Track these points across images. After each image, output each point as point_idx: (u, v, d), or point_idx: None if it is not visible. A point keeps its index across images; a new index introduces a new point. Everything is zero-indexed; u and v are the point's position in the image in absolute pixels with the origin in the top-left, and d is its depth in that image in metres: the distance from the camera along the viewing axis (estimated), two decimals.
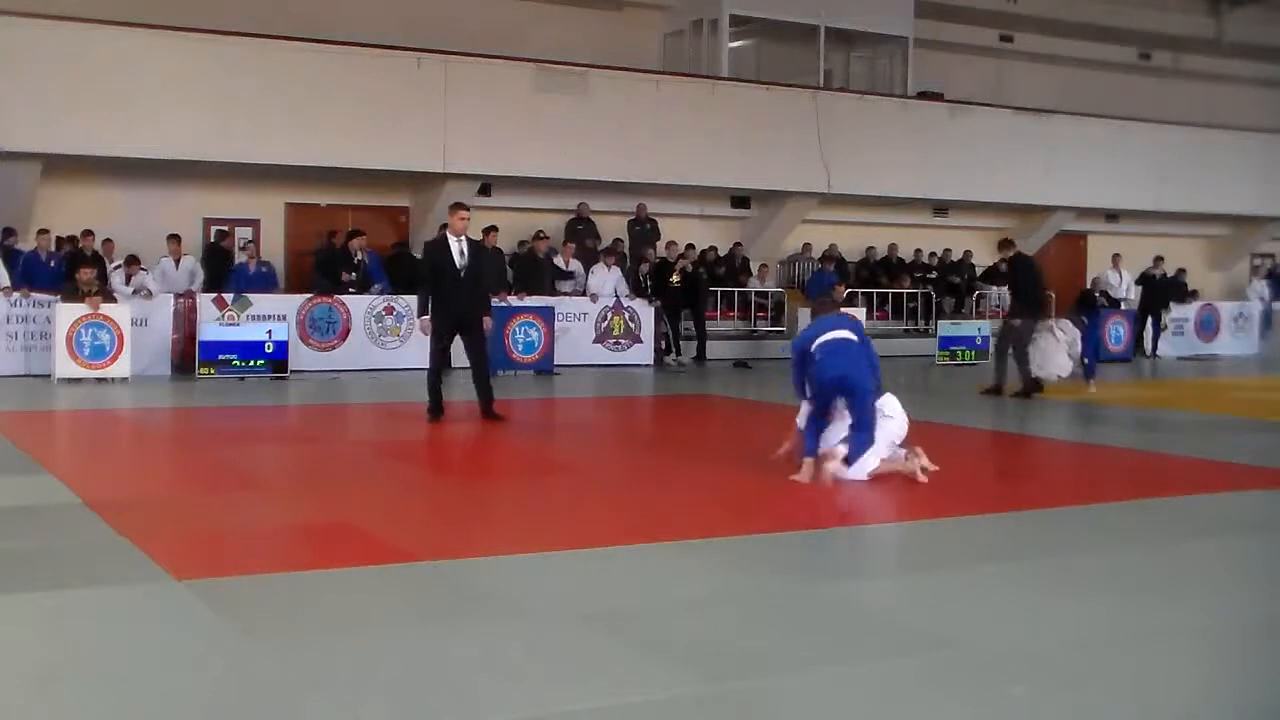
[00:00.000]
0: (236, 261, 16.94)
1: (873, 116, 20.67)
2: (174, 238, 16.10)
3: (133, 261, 15.21)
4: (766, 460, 7.97)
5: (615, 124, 18.40)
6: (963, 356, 18.50)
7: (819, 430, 7.39)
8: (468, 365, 15.86)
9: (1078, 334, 13.67)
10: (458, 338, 10.59)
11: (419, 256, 17.70)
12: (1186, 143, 23.51)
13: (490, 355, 15.70)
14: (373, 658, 4.09)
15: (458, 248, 10.21)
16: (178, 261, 15.85)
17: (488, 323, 10.51)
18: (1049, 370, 13.60)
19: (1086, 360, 13.89)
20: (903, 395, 8.03)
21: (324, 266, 16.55)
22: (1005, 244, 15.00)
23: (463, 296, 10.18)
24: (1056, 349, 13.62)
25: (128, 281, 14.98)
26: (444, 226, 10.81)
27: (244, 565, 5.40)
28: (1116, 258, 21.63)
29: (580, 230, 19.08)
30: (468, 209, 10.59)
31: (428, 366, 10.55)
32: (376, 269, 16.68)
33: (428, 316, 10.33)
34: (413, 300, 16.30)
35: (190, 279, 15.78)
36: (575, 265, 18.04)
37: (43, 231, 15.58)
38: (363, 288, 16.24)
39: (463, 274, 10.15)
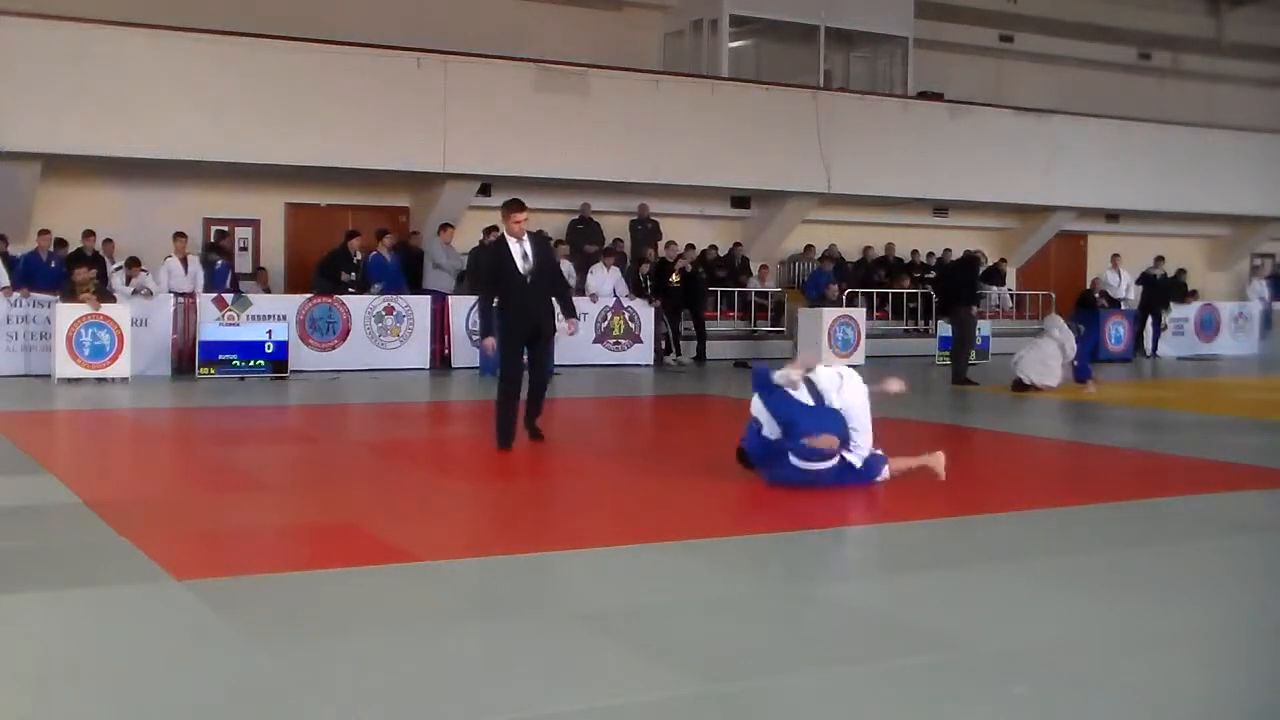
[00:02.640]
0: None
1: (873, 116, 20.69)
2: (180, 235, 15.73)
3: (134, 264, 15.20)
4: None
5: (615, 124, 18.41)
6: None
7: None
8: (475, 366, 16.18)
9: (1073, 343, 13.76)
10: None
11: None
12: (1186, 143, 23.51)
13: (491, 356, 15.89)
14: (373, 658, 4.09)
15: (519, 250, 8.89)
16: (185, 261, 15.52)
17: (572, 325, 9.24)
18: (1044, 379, 13.64)
19: (1076, 363, 13.89)
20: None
21: (324, 267, 16.55)
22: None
23: (533, 302, 8.93)
24: (1056, 359, 13.68)
25: (128, 282, 14.98)
26: (490, 229, 9.82)
27: (244, 565, 5.40)
28: (1116, 258, 21.64)
29: (581, 231, 19.08)
30: (524, 208, 9.03)
31: (499, 389, 9.06)
32: (397, 269, 16.67)
33: (492, 339, 9.02)
34: (414, 300, 16.43)
35: (194, 281, 15.55)
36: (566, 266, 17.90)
37: (43, 232, 15.57)
38: (362, 288, 16.25)
39: (529, 279, 8.88)
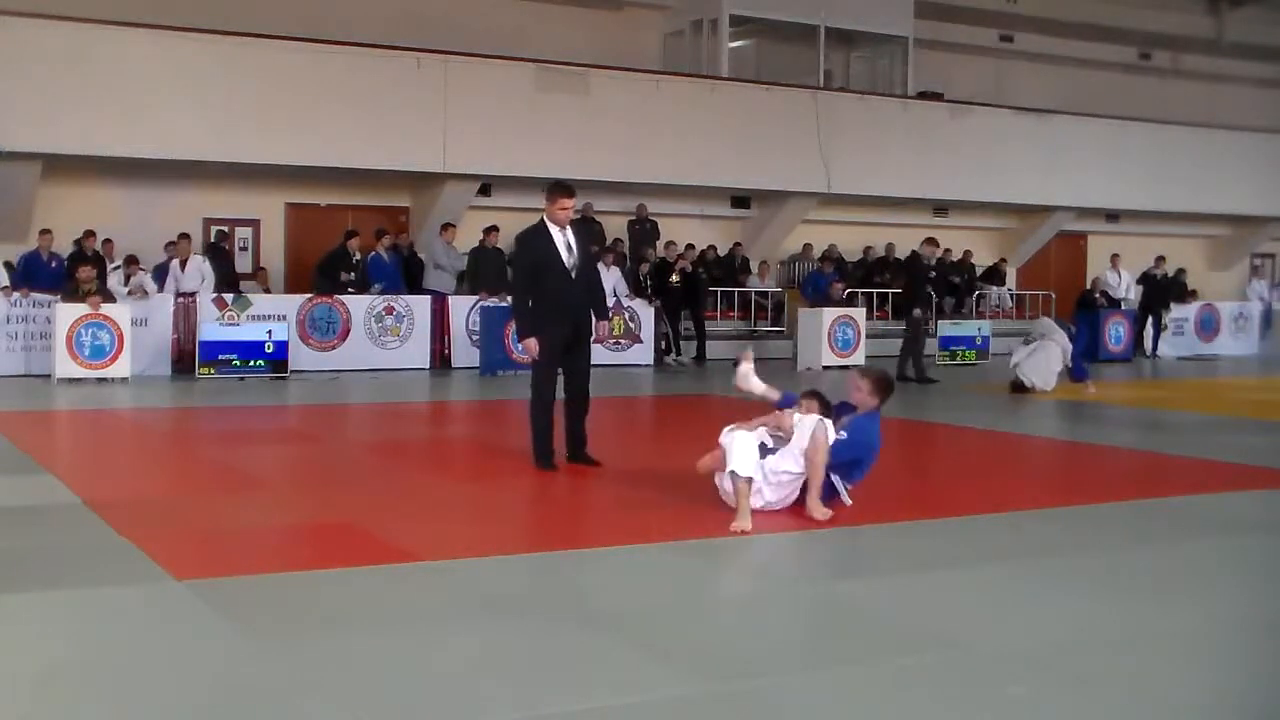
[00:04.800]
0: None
1: (873, 116, 20.68)
2: (184, 237, 15.88)
3: (131, 262, 15.21)
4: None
5: (615, 124, 18.40)
6: (963, 356, 18.50)
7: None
8: (476, 366, 16.20)
9: (1068, 343, 13.77)
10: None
11: (422, 256, 17.74)
12: (1186, 143, 23.52)
13: (491, 355, 15.94)
14: (373, 658, 4.09)
15: (563, 240, 7.95)
16: (183, 264, 15.55)
17: (603, 329, 8.32)
18: (1046, 383, 13.60)
19: (1071, 365, 13.87)
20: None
21: (323, 267, 16.56)
22: (931, 242, 16.64)
23: (575, 298, 7.98)
24: (1059, 363, 13.67)
25: (126, 282, 14.98)
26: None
27: (244, 565, 5.40)
28: (1115, 258, 21.65)
29: (583, 231, 19.07)
30: (573, 194, 8.09)
31: (534, 398, 8.02)
32: (396, 269, 16.69)
33: (534, 341, 7.91)
34: (414, 300, 16.42)
35: (199, 279, 15.49)
36: None
37: (44, 232, 15.55)
38: (362, 288, 16.25)
39: (574, 274, 7.95)
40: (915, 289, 16.18)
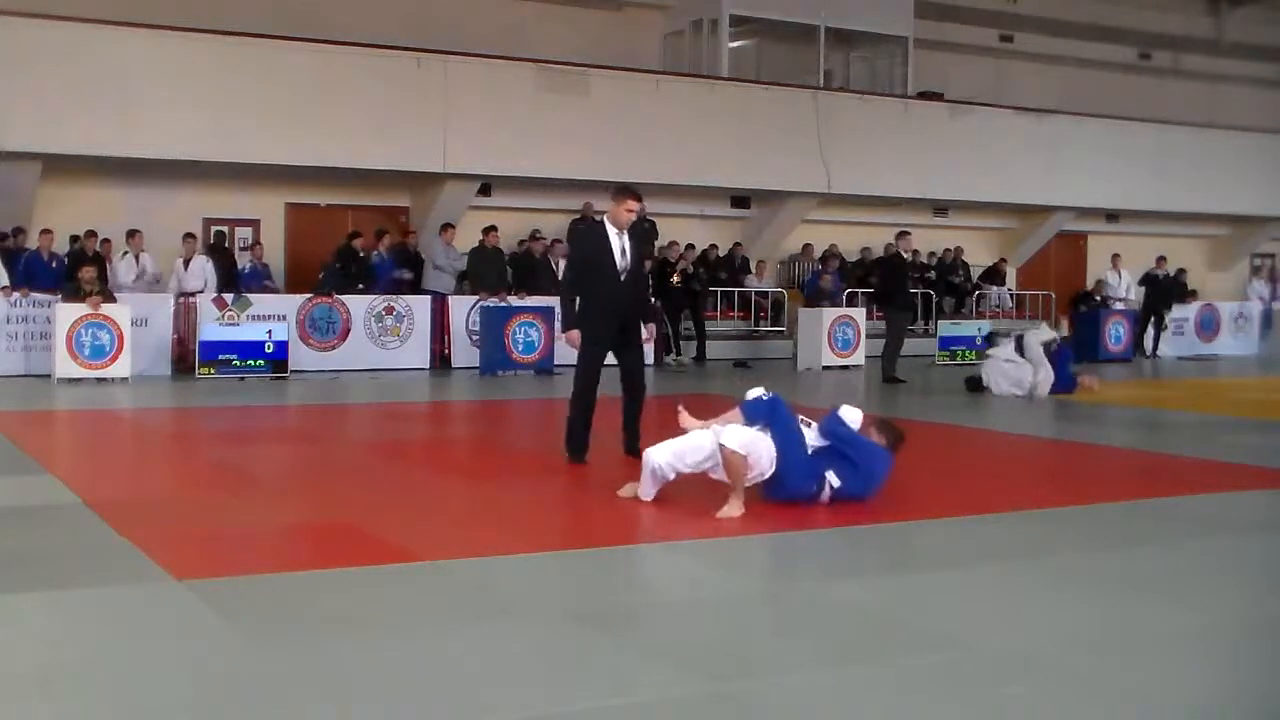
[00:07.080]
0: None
1: (873, 116, 20.69)
2: (189, 237, 16.13)
3: (133, 235, 15.29)
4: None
5: (615, 124, 18.40)
6: (963, 356, 18.49)
7: None
8: (475, 366, 16.19)
9: (1049, 369, 13.68)
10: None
11: (421, 255, 17.74)
12: (1186, 143, 23.53)
13: (490, 355, 15.94)
14: (373, 658, 4.09)
15: (619, 243, 8.12)
16: (187, 263, 15.70)
17: (649, 330, 8.49)
18: (998, 386, 13.49)
19: (1033, 392, 13.77)
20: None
21: (335, 262, 16.57)
22: (904, 236, 16.14)
23: (624, 301, 8.16)
24: (1025, 385, 13.57)
25: (137, 261, 15.04)
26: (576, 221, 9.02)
27: (244, 565, 5.40)
28: (1116, 258, 21.65)
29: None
30: (640, 198, 8.31)
31: (573, 390, 8.34)
32: (392, 269, 16.73)
33: (576, 332, 8.22)
34: (414, 300, 16.42)
35: (202, 280, 15.58)
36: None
37: (45, 231, 15.56)
38: (369, 285, 16.31)
39: (623, 276, 8.12)
40: (898, 286, 16.04)
